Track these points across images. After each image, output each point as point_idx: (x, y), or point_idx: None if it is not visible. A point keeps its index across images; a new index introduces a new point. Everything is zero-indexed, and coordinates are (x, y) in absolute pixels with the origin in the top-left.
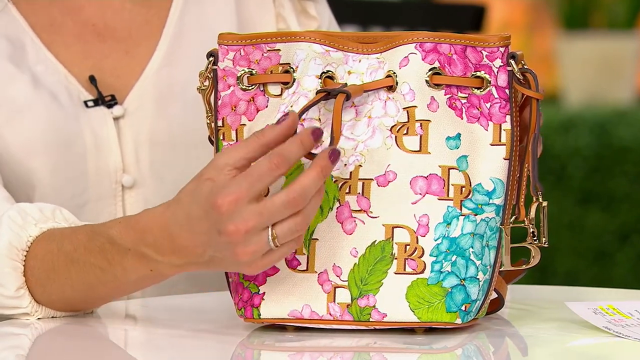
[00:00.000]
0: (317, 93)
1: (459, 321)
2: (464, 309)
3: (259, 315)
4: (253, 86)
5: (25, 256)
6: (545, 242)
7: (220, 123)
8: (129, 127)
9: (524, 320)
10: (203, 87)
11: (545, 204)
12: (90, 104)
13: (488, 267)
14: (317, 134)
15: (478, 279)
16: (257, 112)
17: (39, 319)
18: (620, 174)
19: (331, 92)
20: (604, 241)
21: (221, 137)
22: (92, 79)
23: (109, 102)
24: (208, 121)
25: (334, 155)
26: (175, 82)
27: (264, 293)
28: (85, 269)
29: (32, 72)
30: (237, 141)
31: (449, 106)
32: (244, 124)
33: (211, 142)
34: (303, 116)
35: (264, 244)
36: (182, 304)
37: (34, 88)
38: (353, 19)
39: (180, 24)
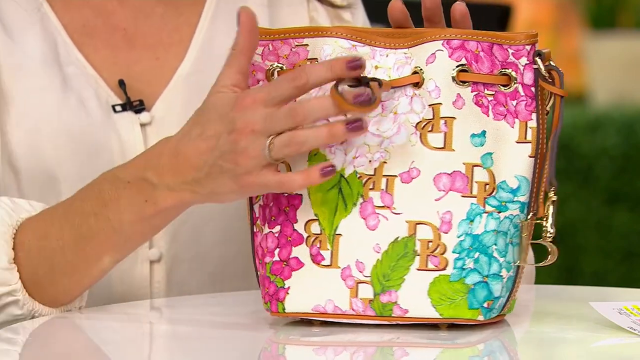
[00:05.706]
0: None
1: (481, 318)
2: (486, 306)
3: (284, 309)
4: None
5: (15, 231)
6: (549, 237)
7: None
8: (156, 134)
9: (549, 319)
10: None
11: (555, 198)
12: (118, 108)
13: (512, 264)
14: (354, 63)
15: (501, 276)
16: None
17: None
18: None
19: (362, 79)
20: (632, 241)
21: None
22: (122, 83)
23: (137, 107)
24: None
25: (362, 96)
26: (204, 89)
27: (289, 287)
28: (79, 221)
29: (64, 73)
30: None
31: (475, 103)
32: None
33: None
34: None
35: (261, 150)
36: (208, 302)
37: (64, 92)
38: (378, 19)
39: (211, 29)
